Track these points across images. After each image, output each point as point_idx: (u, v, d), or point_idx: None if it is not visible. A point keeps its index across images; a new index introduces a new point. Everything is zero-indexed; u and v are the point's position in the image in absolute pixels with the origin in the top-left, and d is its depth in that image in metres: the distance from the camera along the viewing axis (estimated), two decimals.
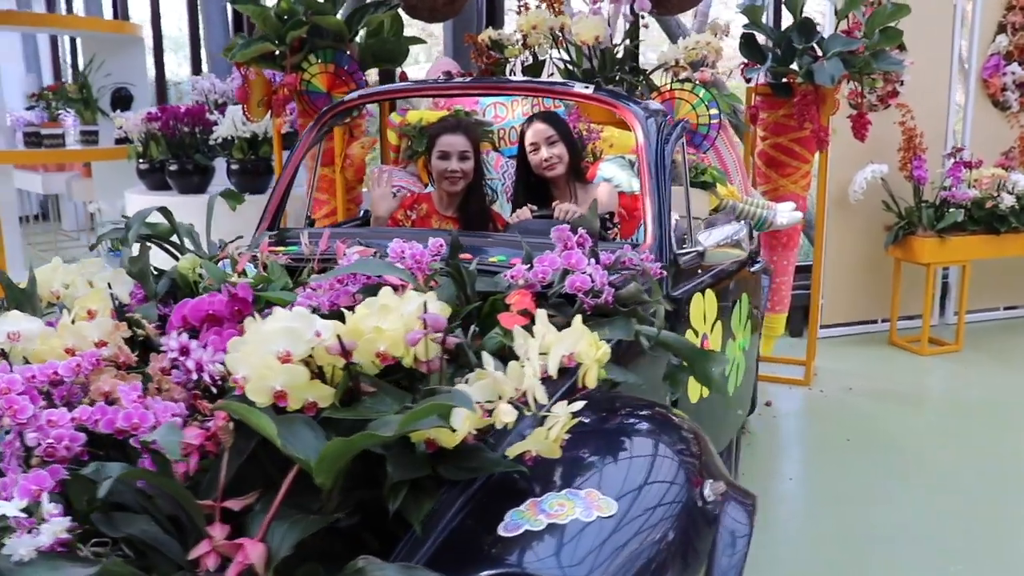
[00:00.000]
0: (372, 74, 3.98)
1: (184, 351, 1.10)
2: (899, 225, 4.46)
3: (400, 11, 3.66)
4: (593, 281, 1.36)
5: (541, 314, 1.17)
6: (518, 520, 1.06)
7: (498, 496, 1.11)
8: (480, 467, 1.11)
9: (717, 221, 1.92)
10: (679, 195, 2.76)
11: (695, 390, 2.00)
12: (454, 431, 1.04)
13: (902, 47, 4.57)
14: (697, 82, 3.25)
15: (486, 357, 1.11)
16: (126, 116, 4.88)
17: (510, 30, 3.55)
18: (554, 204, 2.30)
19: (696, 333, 1.96)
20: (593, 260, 1.41)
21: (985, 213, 4.42)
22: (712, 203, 2.90)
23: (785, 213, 3.05)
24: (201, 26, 6.32)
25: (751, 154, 3.94)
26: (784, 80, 3.73)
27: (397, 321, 1.14)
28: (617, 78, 3.19)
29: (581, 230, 1.47)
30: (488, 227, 2.48)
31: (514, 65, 3.59)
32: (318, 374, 1.13)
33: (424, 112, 3.16)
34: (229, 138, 4.38)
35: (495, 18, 4.22)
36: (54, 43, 8.38)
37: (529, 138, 2.40)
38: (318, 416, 1.06)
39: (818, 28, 3.66)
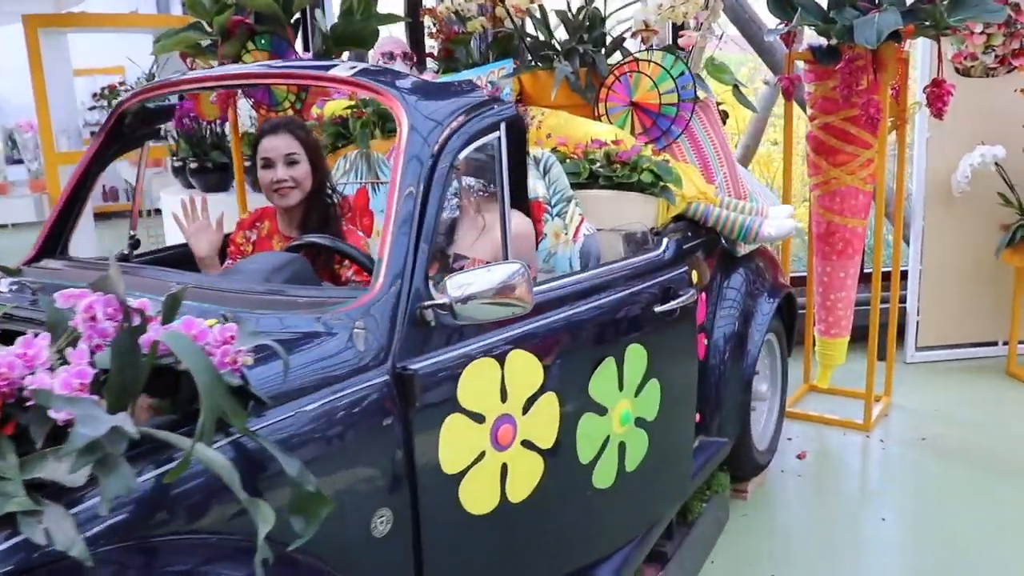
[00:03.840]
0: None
1: None
2: (1019, 224, 3.44)
3: None
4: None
5: None
6: None
7: None
8: None
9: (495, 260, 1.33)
10: (617, 201, 2.13)
11: (521, 488, 1.44)
12: None
13: None
14: (683, 50, 2.55)
15: None
16: None
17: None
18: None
19: (475, 417, 1.35)
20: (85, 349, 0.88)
21: None
22: (667, 210, 2.21)
23: (775, 222, 2.28)
24: None
25: (787, 138, 3.12)
26: (831, 43, 2.90)
27: None
28: (576, 48, 2.55)
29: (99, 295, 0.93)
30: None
31: (481, 40, 3.03)
32: None
33: (340, 103, 2.67)
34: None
35: None
36: None
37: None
38: None
39: None
